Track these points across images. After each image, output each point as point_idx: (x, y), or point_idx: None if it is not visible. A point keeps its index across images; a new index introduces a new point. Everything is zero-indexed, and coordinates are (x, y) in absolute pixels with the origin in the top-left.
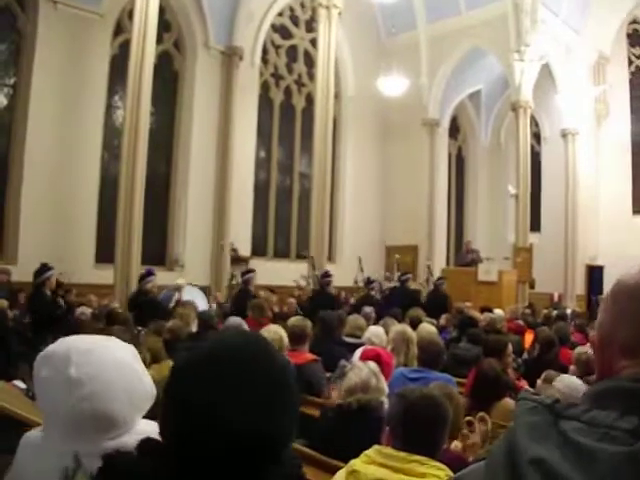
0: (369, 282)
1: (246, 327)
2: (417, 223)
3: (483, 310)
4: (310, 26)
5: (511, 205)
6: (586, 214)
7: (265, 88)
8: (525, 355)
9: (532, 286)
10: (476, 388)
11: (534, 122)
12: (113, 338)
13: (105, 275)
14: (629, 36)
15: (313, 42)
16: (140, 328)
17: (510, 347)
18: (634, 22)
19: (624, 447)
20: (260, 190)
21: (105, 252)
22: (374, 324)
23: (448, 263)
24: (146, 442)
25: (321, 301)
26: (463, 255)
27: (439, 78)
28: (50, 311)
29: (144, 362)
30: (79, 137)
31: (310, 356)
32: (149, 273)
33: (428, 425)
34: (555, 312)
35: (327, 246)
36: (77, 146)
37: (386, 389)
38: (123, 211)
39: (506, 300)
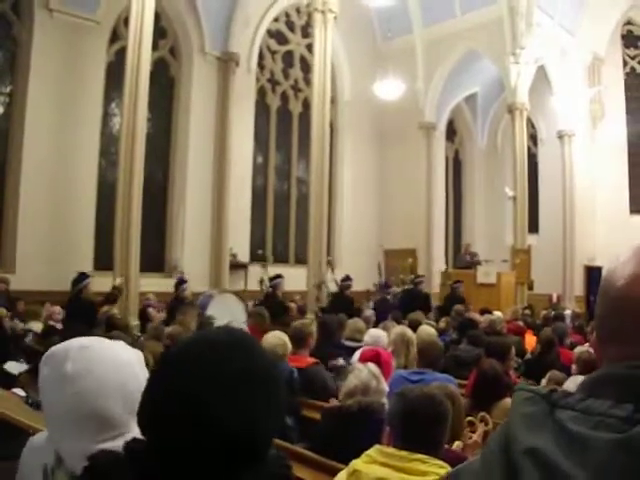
0: (386, 286)
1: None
2: (415, 227)
3: (483, 312)
4: (306, 31)
5: (509, 207)
6: (583, 215)
7: (262, 94)
8: (528, 355)
9: (531, 287)
10: (477, 388)
11: (530, 124)
12: (120, 341)
13: (103, 282)
14: (623, 37)
15: (309, 47)
16: (140, 334)
17: (513, 350)
18: (628, 23)
19: (618, 434)
20: (258, 195)
21: (103, 259)
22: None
23: (447, 266)
24: (132, 442)
25: (340, 304)
26: (462, 257)
27: (435, 82)
28: (88, 317)
29: (146, 364)
30: (76, 144)
31: (311, 359)
32: (182, 281)
33: (428, 423)
34: (553, 313)
35: (325, 251)
36: (74, 153)
37: (386, 390)
38: (121, 217)
39: (505, 302)
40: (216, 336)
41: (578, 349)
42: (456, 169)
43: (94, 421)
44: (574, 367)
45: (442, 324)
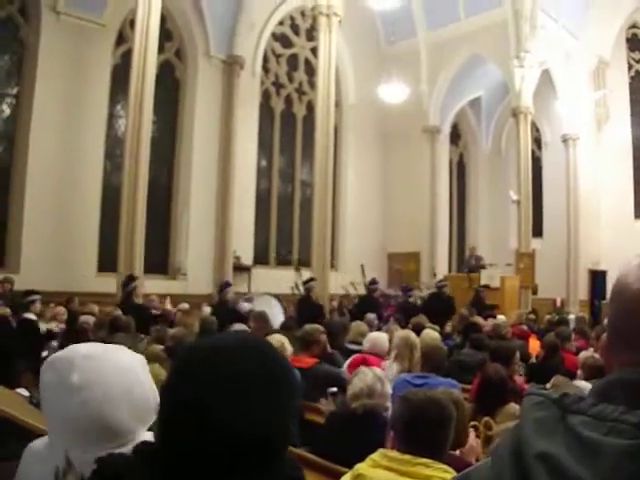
0: (407, 289)
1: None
2: (419, 230)
3: (486, 316)
4: (310, 35)
5: (513, 211)
6: (588, 219)
7: (266, 97)
8: (533, 360)
9: (535, 292)
10: (481, 393)
11: (535, 128)
12: (123, 347)
13: (107, 284)
14: (628, 40)
15: (313, 51)
16: (142, 335)
17: (518, 355)
18: (633, 26)
19: (630, 440)
20: (262, 198)
21: (107, 261)
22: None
23: (450, 269)
24: (141, 446)
25: (366, 306)
26: (468, 261)
27: (439, 85)
28: (140, 318)
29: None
30: (81, 146)
31: (312, 360)
32: (227, 284)
33: (432, 427)
34: (557, 317)
35: (329, 254)
36: (79, 155)
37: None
38: (125, 220)
39: (509, 306)
40: (229, 341)
41: (583, 354)
42: (460, 173)
43: (101, 429)
44: (579, 372)
45: (447, 328)
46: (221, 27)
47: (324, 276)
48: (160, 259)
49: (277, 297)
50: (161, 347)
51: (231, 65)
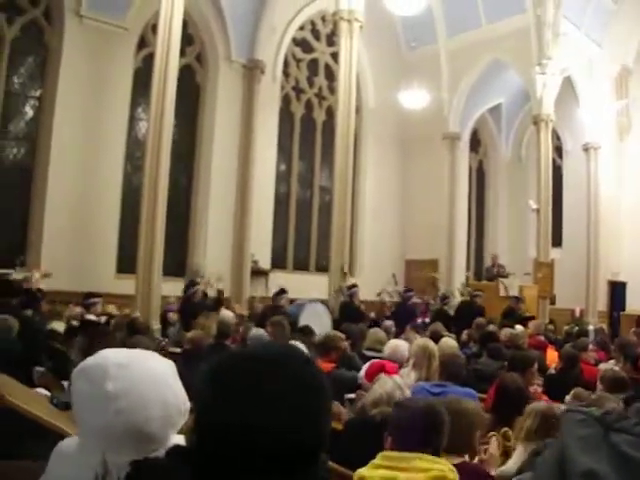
0: (444, 298)
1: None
2: (437, 237)
3: (503, 326)
4: (331, 40)
5: (532, 220)
6: (608, 229)
7: (286, 101)
8: (551, 371)
9: (553, 302)
10: (498, 403)
11: (556, 136)
12: (152, 352)
13: (126, 285)
14: None
15: (334, 56)
16: (160, 337)
17: (536, 365)
18: None
19: None
20: (280, 203)
21: (126, 263)
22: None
23: (468, 277)
24: (175, 449)
25: (402, 313)
26: (489, 269)
27: (460, 91)
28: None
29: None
30: (102, 148)
31: (329, 365)
32: (283, 291)
33: (427, 431)
34: (576, 329)
35: (348, 260)
36: (100, 157)
37: None
38: (145, 222)
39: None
40: (264, 351)
41: (602, 366)
42: (479, 180)
43: (135, 436)
44: (599, 385)
45: (463, 337)
46: (242, 32)
47: (342, 282)
48: (178, 262)
49: (324, 303)
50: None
51: (252, 70)
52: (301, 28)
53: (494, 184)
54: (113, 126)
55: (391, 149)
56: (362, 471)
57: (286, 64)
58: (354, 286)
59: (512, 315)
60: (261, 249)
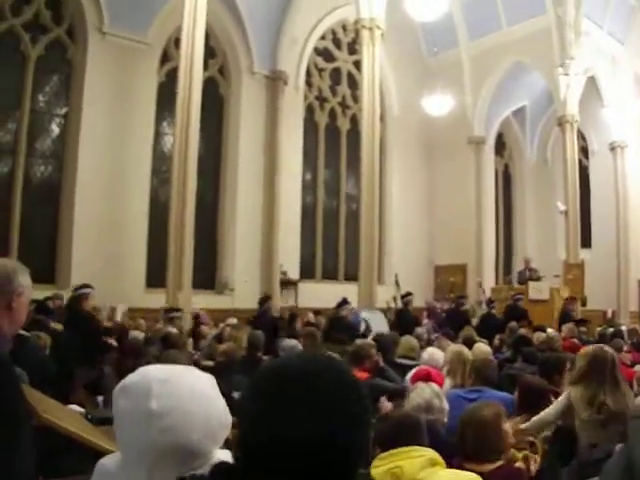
0: (490, 302)
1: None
2: (465, 242)
3: (535, 329)
4: (352, 48)
5: (560, 221)
6: (638, 229)
7: (310, 111)
8: None
9: (584, 303)
10: (522, 402)
11: (581, 136)
12: (192, 368)
13: (155, 299)
14: None
15: (356, 64)
16: (194, 351)
17: (568, 365)
18: None
19: None
20: (307, 212)
21: (155, 276)
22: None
23: (497, 282)
24: (219, 465)
25: (455, 319)
26: (522, 273)
27: (483, 95)
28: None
29: None
30: (128, 163)
31: (364, 374)
32: (345, 301)
33: (406, 432)
34: (611, 330)
35: (376, 268)
36: (127, 172)
37: (447, 409)
38: (174, 236)
39: (558, 318)
40: (296, 360)
41: (639, 367)
42: (506, 183)
43: (179, 453)
44: (635, 386)
45: (496, 341)
46: (264, 43)
47: (371, 290)
48: (207, 274)
49: (382, 311)
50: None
51: (274, 80)
52: (322, 38)
53: (521, 187)
54: (139, 141)
55: (416, 155)
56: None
57: (308, 74)
58: (409, 294)
59: (568, 318)
60: (289, 259)
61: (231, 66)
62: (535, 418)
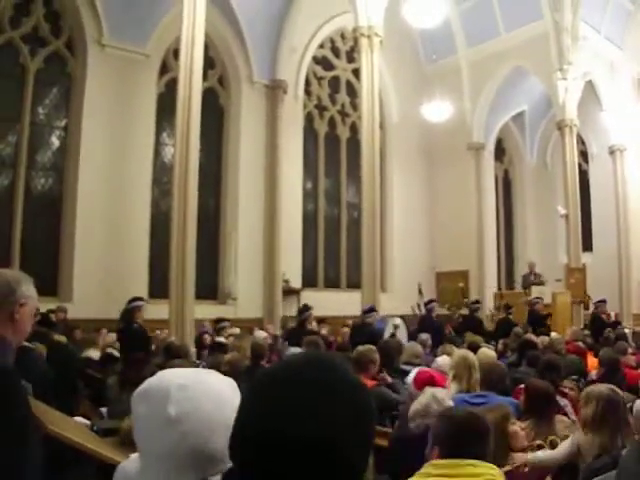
0: (508, 307)
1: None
2: (466, 248)
3: (539, 334)
4: (351, 56)
5: (561, 225)
6: (639, 231)
7: (309, 119)
8: (592, 376)
9: (587, 307)
10: (528, 406)
11: (580, 140)
12: (212, 371)
13: (158, 310)
14: None
15: (355, 72)
16: (198, 361)
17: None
18: None
19: None
20: (309, 221)
21: (158, 287)
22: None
23: (499, 287)
24: (229, 472)
25: (470, 324)
26: (527, 277)
27: (482, 101)
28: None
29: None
30: (129, 175)
31: (371, 381)
32: (372, 309)
33: (474, 439)
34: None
35: (379, 275)
36: (127, 184)
37: None
38: (176, 246)
39: (561, 322)
40: (296, 360)
41: None
42: (506, 189)
43: (199, 458)
44: None
45: (500, 346)
46: (263, 53)
47: (374, 298)
48: (210, 284)
49: (402, 318)
50: None
51: (274, 90)
52: (321, 46)
53: (521, 192)
54: (139, 152)
55: (416, 162)
56: None
57: (308, 83)
58: (432, 301)
59: (600, 322)
60: (292, 268)
61: (230, 76)
62: (536, 460)
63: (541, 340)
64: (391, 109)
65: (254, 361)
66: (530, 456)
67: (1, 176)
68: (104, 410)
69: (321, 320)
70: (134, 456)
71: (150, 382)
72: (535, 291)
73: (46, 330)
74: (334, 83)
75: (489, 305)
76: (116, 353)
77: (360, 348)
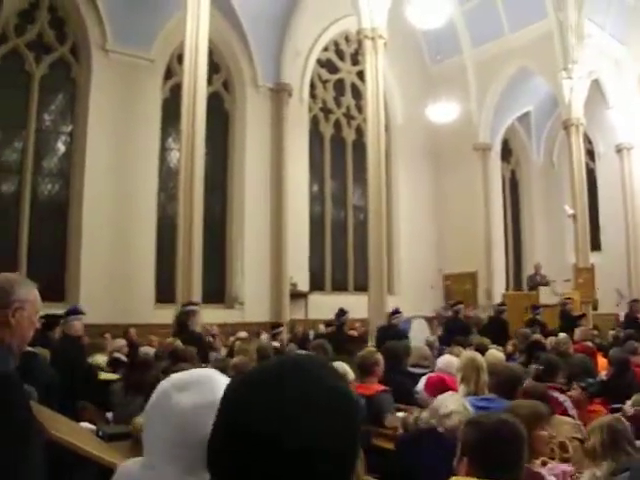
0: (536, 307)
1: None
2: (474, 249)
3: (547, 334)
4: (355, 59)
5: (569, 225)
6: None
7: (315, 122)
8: (602, 376)
9: (595, 307)
10: None
11: (587, 139)
12: (213, 370)
13: (165, 315)
14: None
15: (359, 75)
16: (204, 365)
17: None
18: None
19: None
20: (315, 224)
21: (164, 292)
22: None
23: (508, 288)
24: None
25: (495, 327)
26: (533, 278)
27: (488, 102)
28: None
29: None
30: (135, 180)
31: (379, 387)
32: (397, 311)
33: (506, 447)
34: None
35: (386, 278)
36: (134, 189)
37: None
38: (182, 251)
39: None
40: (280, 362)
41: None
42: (513, 189)
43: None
44: None
45: (509, 347)
46: (267, 56)
47: (382, 300)
48: (217, 288)
49: (426, 319)
50: None
51: (279, 93)
52: (325, 49)
53: (528, 192)
54: (145, 157)
55: (423, 164)
56: None
57: (312, 86)
58: (459, 303)
59: (635, 323)
60: (299, 271)
61: (235, 80)
62: None
63: (549, 341)
64: (396, 111)
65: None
66: None
67: (8, 182)
68: (110, 415)
69: (329, 323)
70: (137, 459)
71: (162, 383)
72: (544, 292)
73: (50, 334)
74: (339, 86)
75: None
76: (123, 357)
77: (361, 352)
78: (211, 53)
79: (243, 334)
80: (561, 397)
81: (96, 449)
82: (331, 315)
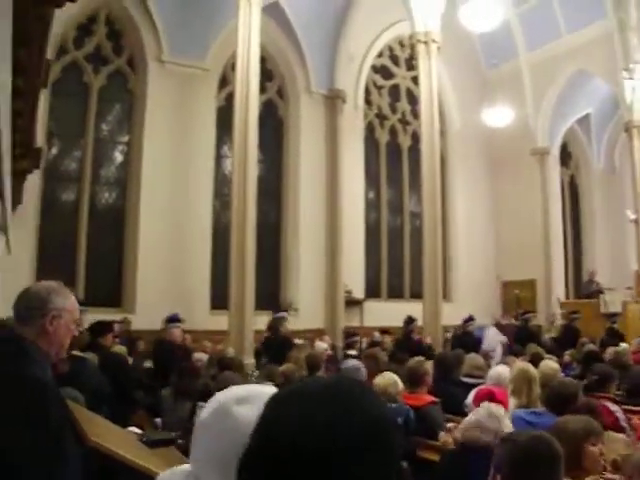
0: (612, 315)
1: (363, 370)
2: (533, 256)
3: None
4: (410, 64)
5: (631, 231)
6: None
7: (370, 129)
8: None
9: None
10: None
11: None
12: (269, 386)
13: (220, 321)
14: None
15: (414, 80)
16: (251, 372)
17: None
18: None
19: None
20: (371, 231)
21: (219, 298)
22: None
23: (568, 296)
24: None
25: (569, 335)
26: (587, 285)
27: (545, 105)
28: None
29: None
30: (191, 188)
31: (429, 398)
32: (471, 318)
33: (541, 466)
34: None
35: (441, 285)
36: (189, 197)
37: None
38: (236, 258)
39: (632, 332)
40: (313, 383)
41: None
42: (573, 194)
43: None
44: None
45: (567, 357)
46: (320, 63)
47: (437, 308)
48: (271, 295)
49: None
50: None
51: (333, 99)
52: (379, 55)
53: (588, 197)
54: (200, 165)
55: (479, 169)
56: None
57: (367, 92)
58: (529, 312)
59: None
60: (354, 279)
61: (289, 87)
62: None
63: (609, 352)
64: (452, 116)
65: (310, 372)
66: None
67: (67, 190)
68: (158, 420)
69: (384, 331)
70: (176, 468)
71: (216, 396)
72: (604, 300)
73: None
74: (394, 91)
75: (557, 314)
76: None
77: (410, 363)
78: (265, 61)
79: (299, 341)
80: (613, 407)
81: (135, 455)
82: (386, 323)
